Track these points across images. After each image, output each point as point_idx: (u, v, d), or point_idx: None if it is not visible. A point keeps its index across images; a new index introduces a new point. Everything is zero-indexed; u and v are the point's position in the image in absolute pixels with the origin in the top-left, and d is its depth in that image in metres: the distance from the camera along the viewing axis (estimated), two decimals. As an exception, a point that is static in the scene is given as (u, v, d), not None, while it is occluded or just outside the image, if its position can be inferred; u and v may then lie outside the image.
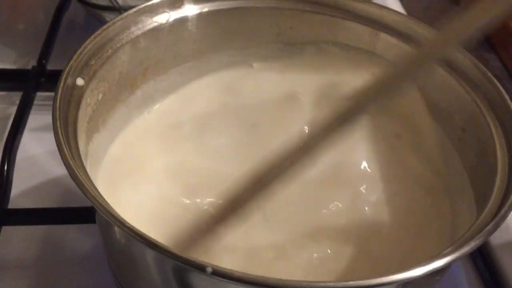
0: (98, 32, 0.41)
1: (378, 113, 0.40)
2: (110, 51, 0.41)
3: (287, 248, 0.39)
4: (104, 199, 0.31)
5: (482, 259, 0.49)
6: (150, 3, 0.44)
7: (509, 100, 0.39)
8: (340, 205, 0.42)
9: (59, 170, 0.52)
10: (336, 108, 0.36)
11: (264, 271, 0.28)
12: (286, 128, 0.47)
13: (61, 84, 0.36)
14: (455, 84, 0.43)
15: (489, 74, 0.41)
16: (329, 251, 0.39)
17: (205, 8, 0.46)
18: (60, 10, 0.69)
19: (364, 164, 0.45)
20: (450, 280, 0.47)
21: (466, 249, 0.30)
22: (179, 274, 0.31)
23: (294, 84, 0.50)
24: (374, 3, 0.47)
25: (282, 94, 0.50)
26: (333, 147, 0.36)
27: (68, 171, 0.31)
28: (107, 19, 0.61)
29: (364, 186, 0.44)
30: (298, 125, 0.47)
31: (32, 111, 0.57)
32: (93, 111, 0.40)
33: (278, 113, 0.48)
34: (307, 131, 0.46)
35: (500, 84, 0.40)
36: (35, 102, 0.58)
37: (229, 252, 0.38)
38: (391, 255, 0.39)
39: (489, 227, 0.31)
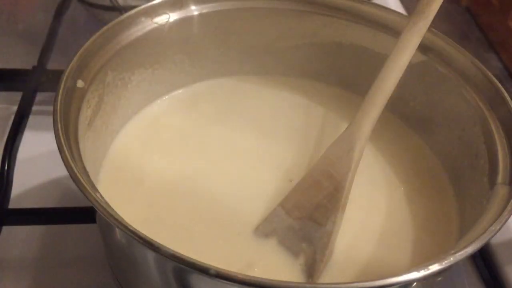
0: (98, 33, 0.41)
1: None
2: (110, 52, 0.41)
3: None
4: (104, 200, 0.31)
5: (482, 259, 0.49)
6: (150, 4, 0.44)
7: (509, 100, 0.39)
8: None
9: (59, 170, 0.51)
10: None
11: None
12: (289, 132, 0.47)
13: (62, 87, 0.36)
14: (456, 84, 0.43)
15: (490, 74, 0.41)
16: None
17: (205, 9, 0.46)
18: (60, 10, 0.69)
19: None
20: (450, 279, 0.47)
21: (467, 251, 0.30)
22: (180, 276, 0.31)
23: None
24: (374, 3, 0.47)
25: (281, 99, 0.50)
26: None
27: (69, 173, 0.31)
28: (108, 19, 0.61)
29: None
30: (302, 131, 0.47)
31: (32, 111, 0.57)
32: (93, 112, 0.40)
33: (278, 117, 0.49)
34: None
35: (501, 84, 0.40)
36: (35, 102, 0.58)
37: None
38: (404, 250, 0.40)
39: (490, 229, 0.31)
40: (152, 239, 0.28)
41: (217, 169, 0.43)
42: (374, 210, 0.42)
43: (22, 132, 0.55)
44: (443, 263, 0.29)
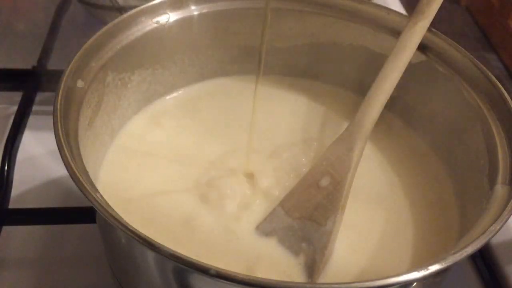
0: (98, 33, 0.41)
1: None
2: (110, 52, 0.41)
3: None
4: (104, 200, 0.31)
5: (482, 259, 0.49)
6: (150, 4, 0.44)
7: (510, 100, 0.39)
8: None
9: (59, 170, 0.52)
10: None
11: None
12: (288, 132, 0.47)
13: (62, 87, 0.36)
14: (456, 84, 0.43)
15: (490, 74, 0.41)
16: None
17: (205, 9, 0.46)
18: (60, 10, 0.70)
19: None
20: (449, 279, 0.47)
21: (467, 251, 0.30)
22: (180, 276, 0.31)
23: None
24: (374, 3, 0.47)
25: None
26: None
27: (69, 173, 0.31)
28: (108, 19, 0.61)
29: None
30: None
31: (33, 111, 0.57)
32: (93, 112, 0.40)
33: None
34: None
35: (501, 84, 0.40)
36: (35, 102, 0.58)
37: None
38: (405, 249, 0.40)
39: (490, 229, 0.31)
40: (152, 239, 0.28)
41: (217, 168, 0.43)
42: (374, 210, 0.42)
43: (22, 132, 0.55)
44: (443, 263, 0.29)
